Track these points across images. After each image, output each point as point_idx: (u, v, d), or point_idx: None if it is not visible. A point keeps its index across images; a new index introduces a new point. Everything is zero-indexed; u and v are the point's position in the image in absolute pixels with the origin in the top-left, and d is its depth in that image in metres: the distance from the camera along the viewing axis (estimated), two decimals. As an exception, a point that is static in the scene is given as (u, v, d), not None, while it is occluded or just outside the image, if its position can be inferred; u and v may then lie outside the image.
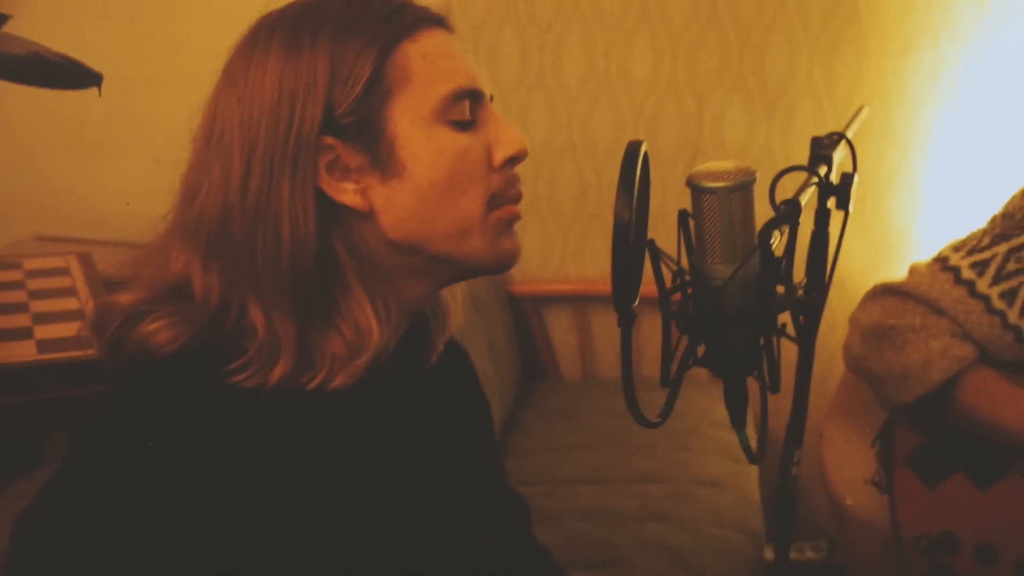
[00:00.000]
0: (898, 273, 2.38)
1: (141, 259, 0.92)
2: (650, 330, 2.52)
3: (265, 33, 0.87)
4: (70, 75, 0.94)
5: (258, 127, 0.83)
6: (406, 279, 0.90)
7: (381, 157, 0.85)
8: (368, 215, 0.86)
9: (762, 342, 0.91)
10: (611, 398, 2.31)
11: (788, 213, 0.92)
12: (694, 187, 0.87)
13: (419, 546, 0.93)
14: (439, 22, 0.90)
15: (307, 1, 0.89)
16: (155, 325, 0.83)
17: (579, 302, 2.52)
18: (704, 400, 2.27)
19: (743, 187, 0.87)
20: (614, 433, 2.11)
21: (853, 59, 2.25)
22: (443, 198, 0.86)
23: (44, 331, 1.26)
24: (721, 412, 2.24)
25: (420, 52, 0.86)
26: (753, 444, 1.03)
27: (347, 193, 0.85)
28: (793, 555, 2.18)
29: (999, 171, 2.20)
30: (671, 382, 0.98)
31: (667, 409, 1.03)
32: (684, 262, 0.95)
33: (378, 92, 0.84)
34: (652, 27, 2.31)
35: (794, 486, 1.51)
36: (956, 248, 1.40)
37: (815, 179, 1.30)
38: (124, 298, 0.87)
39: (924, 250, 2.33)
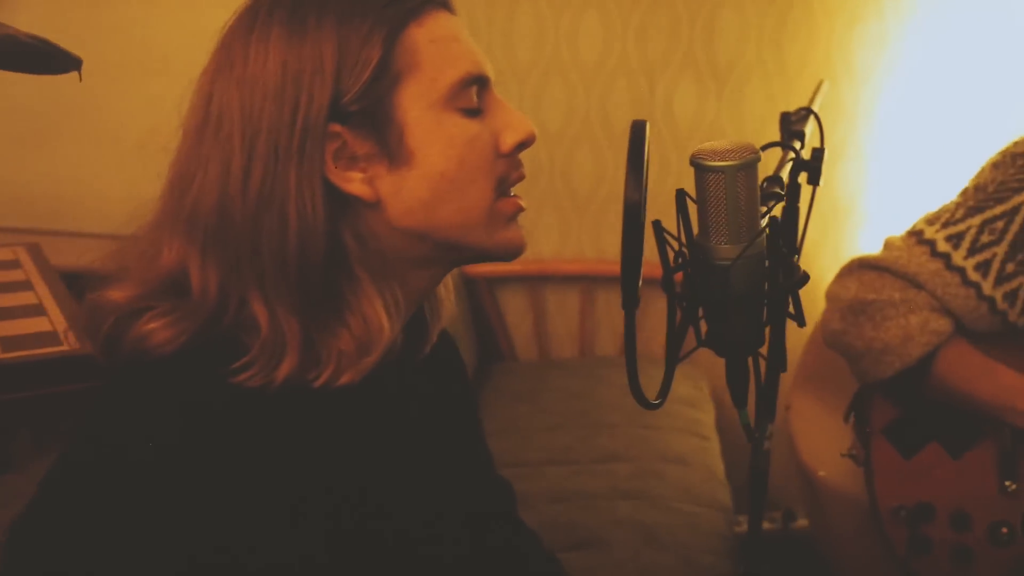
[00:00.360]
0: (845, 244, 2.43)
1: (127, 251, 0.87)
2: (642, 307, 2.53)
3: (264, 13, 0.82)
4: (48, 59, 0.88)
5: (260, 113, 0.79)
6: (413, 268, 0.87)
7: (390, 145, 0.81)
8: (375, 205, 0.83)
9: (766, 320, 0.90)
10: (569, 378, 2.31)
11: (791, 189, 0.92)
12: (699, 166, 0.86)
13: (419, 535, 0.91)
14: (443, 4, 0.86)
15: None
16: (154, 324, 0.79)
17: (534, 282, 2.51)
18: (661, 376, 2.27)
19: (749, 165, 0.85)
20: (576, 413, 2.11)
21: (801, 34, 2.26)
22: (453, 187, 0.83)
23: (6, 327, 1.20)
24: (681, 389, 2.26)
25: (428, 36, 0.83)
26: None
27: (354, 183, 0.81)
28: (743, 528, 2.21)
29: (945, 143, 2.24)
30: (675, 361, 0.97)
31: (664, 389, 1.02)
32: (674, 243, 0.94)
33: (386, 78, 0.80)
34: (602, 6, 2.30)
35: (767, 460, 1.53)
36: (930, 221, 1.41)
37: (791, 155, 1.29)
38: (116, 294, 0.82)
39: (871, 222, 2.37)
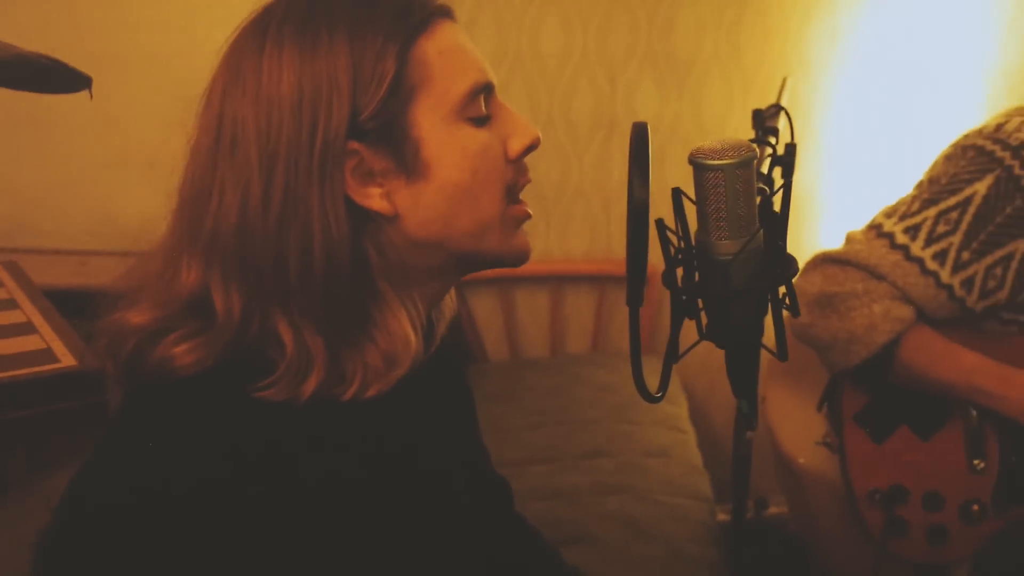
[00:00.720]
0: (804, 235, 2.49)
1: (141, 272, 0.87)
2: (610, 305, 2.56)
3: (273, 28, 0.82)
4: (58, 78, 0.88)
5: (278, 133, 0.79)
6: (428, 278, 0.89)
7: (406, 160, 0.82)
8: (392, 218, 0.84)
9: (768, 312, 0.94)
10: (544, 377, 2.33)
11: (784, 186, 0.95)
12: (698, 165, 0.88)
13: (437, 539, 0.92)
14: (447, 12, 0.88)
15: None
16: (180, 348, 0.79)
17: (503, 283, 2.53)
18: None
19: (746, 163, 0.88)
20: (554, 411, 2.13)
21: (757, 31, 2.32)
22: (467, 196, 0.85)
23: (-1, 346, 1.19)
24: (655, 384, 2.28)
25: (437, 48, 0.84)
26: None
27: (373, 198, 0.82)
28: (723, 516, 2.25)
29: (898, 134, 2.31)
30: (676, 357, 0.99)
31: (664, 382, 1.05)
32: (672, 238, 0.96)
33: (401, 93, 0.81)
34: (562, 6, 2.33)
35: (749, 449, 1.57)
36: (888, 214, 1.46)
37: (768, 151, 1.34)
38: (136, 317, 0.82)
39: (828, 213, 2.43)
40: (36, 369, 1.12)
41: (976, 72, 2.28)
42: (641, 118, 2.44)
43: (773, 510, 2.53)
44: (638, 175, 0.84)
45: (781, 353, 0.97)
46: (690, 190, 0.93)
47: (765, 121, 1.48)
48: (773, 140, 1.46)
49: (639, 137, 0.86)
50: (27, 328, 1.25)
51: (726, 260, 0.91)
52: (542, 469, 1.88)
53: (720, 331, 0.96)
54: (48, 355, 1.17)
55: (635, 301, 0.92)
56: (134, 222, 2.53)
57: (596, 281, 2.52)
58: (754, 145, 0.91)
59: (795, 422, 1.69)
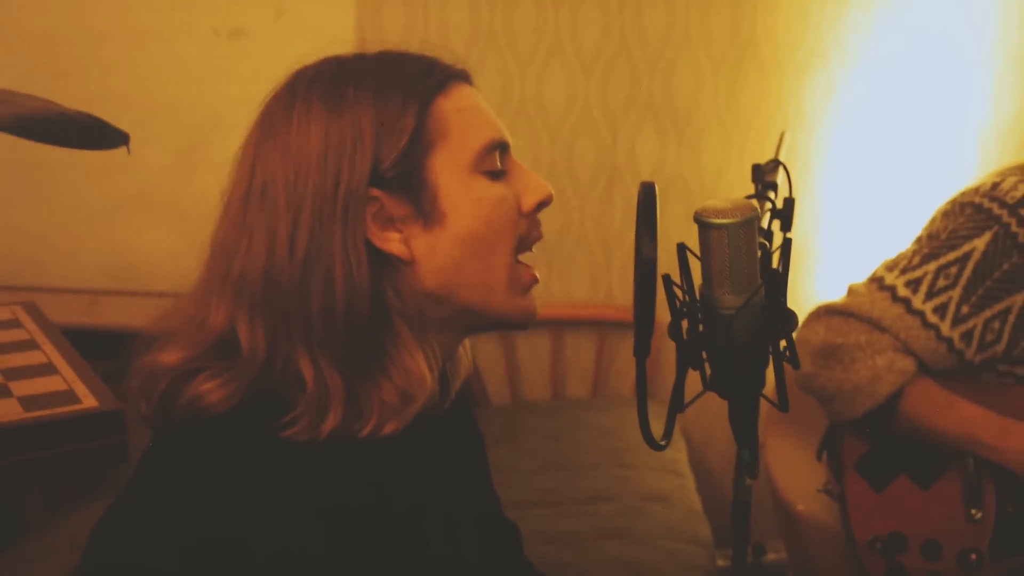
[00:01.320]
0: (800, 284, 2.54)
1: (174, 316, 0.91)
2: (610, 349, 2.59)
3: (303, 88, 0.88)
4: (98, 135, 0.92)
5: (305, 181, 0.84)
6: (438, 328, 0.92)
7: (424, 207, 0.87)
8: (409, 263, 0.88)
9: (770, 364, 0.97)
10: (544, 421, 2.36)
11: (784, 243, 0.99)
12: (704, 223, 0.93)
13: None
14: (464, 77, 0.93)
15: (341, 58, 0.91)
16: (208, 385, 0.83)
17: (505, 327, 2.56)
18: (635, 417, 2.34)
19: (749, 222, 0.93)
20: (555, 455, 2.16)
21: (754, 83, 2.38)
22: (481, 245, 0.89)
23: (22, 387, 1.21)
24: (656, 429, 2.30)
25: (454, 107, 0.89)
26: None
27: (392, 242, 0.87)
28: (722, 562, 2.27)
29: (890, 187, 2.37)
30: (682, 407, 1.03)
31: (668, 431, 1.08)
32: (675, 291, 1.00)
33: (420, 145, 0.87)
34: (564, 55, 2.39)
35: (749, 495, 1.60)
36: (890, 268, 1.50)
37: (768, 205, 1.38)
38: (168, 357, 0.86)
39: (821, 264, 2.48)
40: (59, 410, 1.15)
41: (967, 127, 2.34)
42: (641, 167, 2.51)
43: (771, 556, 2.55)
44: (647, 233, 0.88)
45: (782, 404, 1.01)
46: (691, 240, 0.97)
47: (764, 176, 1.53)
48: (772, 195, 1.51)
49: (648, 196, 0.91)
50: (48, 369, 1.28)
51: (730, 314, 0.95)
52: (544, 513, 1.90)
53: (723, 382, 1.00)
54: (70, 396, 1.20)
55: (642, 352, 0.96)
56: (144, 262, 2.58)
57: (596, 326, 2.56)
58: (756, 204, 0.96)
59: (794, 469, 1.73)
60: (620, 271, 2.53)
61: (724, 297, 0.95)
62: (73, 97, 1.39)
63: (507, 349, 2.57)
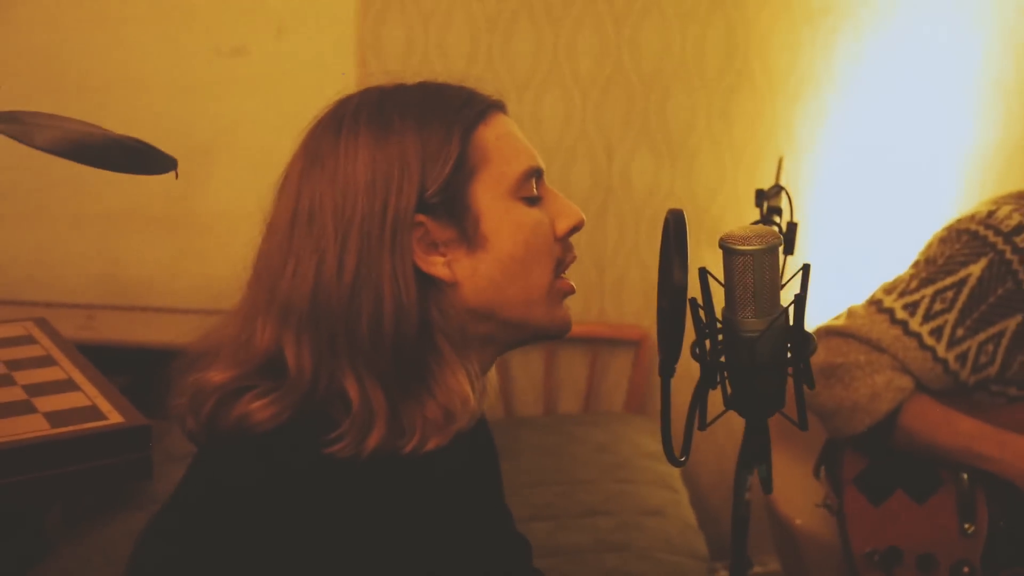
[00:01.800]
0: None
1: (218, 334, 0.93)
2: (602, 366, 2.63)
3: (349, 117, 0.91)
4: (147, 159, 0.95)
5: (353, 207, 0.87)
6: (479, 345, 0.96)
7: (467, 232, 0.91)
8: (453, 285, 0.91)
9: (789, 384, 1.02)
10: (539, 436, 2.39)
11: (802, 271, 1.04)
12: (728, 250, 0.97)
13: None
14: (501, 107, 0.97)
15: (383, 88, 0.94)
16: (256, 404, 0.86)
17: (499, 343, 2.60)
18: (629, 432, 2.38)
19: (772, 249, 0.97)
20: (552, 470, 2.19)
21: (748, 108, 2.44)
22: (521, 267, 0.93)
23: (46, 403, 1.22)
24: (647, 444, 2.36)
25: (494, 135, 0.93)
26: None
27: (437, 265, 0.90)
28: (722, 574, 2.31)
29: (882, 210, 2.43)
30: (704, 425, 1.07)
31: (686, 448, 1.12)
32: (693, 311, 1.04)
33: (463, 172, 0.90)
34: (562, 79, 2.44)
35: (748, 510, 1.64)
36: (888, 291, 1.56)
37: (774, 229, 1.42)
38: (216, 376, 0.89)
39: (815, 283, 2.52)
40: (87, 426, 1.16)
41: (952, 153, 2.41)
42: (636, 188, 2.55)
43: (757, 569, 2.59)
44: (678, 259, 0.92)
45: (802, 423, 1.05)
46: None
47: (768, 200, 1.58)
48: (777, 219, 1.56)
49: (678, 223, 0.95)
50: (69, 385, 1.29)
51: (753, 337, 0.99)
52: (544, 526, 1.93)
53: (744, 401, 1.04)
54: (95, 412, 1.21)
55: (667, 372, 1.00)
56: (141, 276, 2.59)
57: (589, 343, 2.60)
58: (778, 232, 1.00)
59: (790, 485, 1.77)
60: (612, 289, 2.58)
61: (747, 321, 0.99)
62: (74, 115, 1.42)
63: (501, 365, 2.61)
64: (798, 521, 1.68)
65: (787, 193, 1.57)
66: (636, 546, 1.85)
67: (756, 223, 1.36)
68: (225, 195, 2.48)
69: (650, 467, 2.22)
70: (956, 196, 2.37)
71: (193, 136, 2.51)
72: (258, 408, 0.86)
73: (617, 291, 2.58)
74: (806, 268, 1.07)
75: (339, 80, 2.46)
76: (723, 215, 2.45)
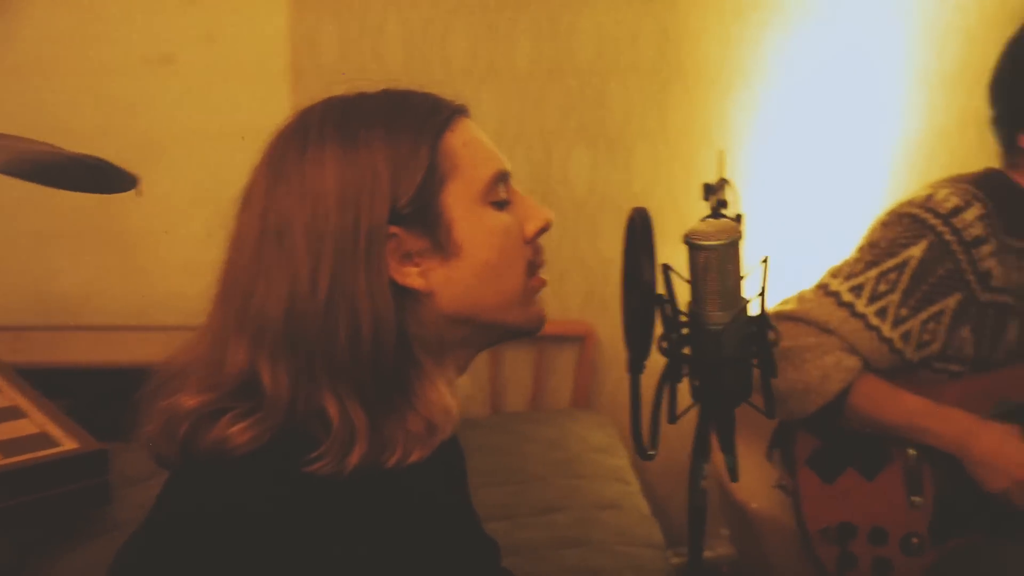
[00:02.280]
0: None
1: (186, 356, 0.91)
2: (547, 363, 2.64)
3: (314, 130, 0.89)
4: (108, 177, 0.92)
5: (325, 222, 0.86)
6: (457, 349, 0.96)
7: (440, 241, 0.90)
8: (428, 295, 0.91)
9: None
10: (488, 436, 2.39)
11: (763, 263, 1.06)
12: (693, 245, 0.99)
13: None
14: (464, 112, 0.97)
15: (346, 98, 0.93)
16: (235, 428, 0.84)
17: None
18: (578, 428, 2.40)
19: (735, 243, 0.99)
20: (504, 470, 2.20)
21: (682, 102, 2.48)
22: (495, 273, 0.93)
23: (-5, 433, 1.19)
24: (595, 438, 2.38)
25: (461, 141, 0.93)
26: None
27: (411, 276, 0.90)
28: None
29: (814, 199, 2.49)
30: (675, 419, 1.08)
31: (654, 441, 1.13)
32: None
33: (433, 181, 0.90)
34: (499, 76, 2.44)
35: (704, 498, 1.67)
36: (834, 275, 1.60)
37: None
38: (188, 401, 0.86)
39: (749, 270, 2.57)
40: (40, 454, 1.13)
41: (881, 142, 2.48)
42: (575, 183, 2.57)
43: (707, 554, 2.63)
44: (646, 258, 0.94)
45: (769, 411, 1.07)
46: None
47: (716, 194, 1.61)
48: (725, 211, 1.59)
49: (644, 221, 0.96)
50: (15, 412, 1.25)
51: (718, 329, 1.01)
52: (500, 526, 1.93)
53: (712, 393, 1.06)
54: (46, 439, 1.18)
55: (637, 369, 1.01)
56: (69, 295, 2.51)
57: (533, 341, 2.61)
58: (739, 227, 1.02)
59: (745, 470, 1.78)
60: (554, 286, 2.59)
61: (713, 314, 1.01)
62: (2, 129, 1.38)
63: (447, 367, 2.60)
64: (754, 505, 1.72)
65: (733, 186, 1.60)
66: (594, 540, 1.86)
67: (706, 217, 1.38)
68: (154, 210, 2.42)
69: (601, 461, 2.24)
70: (888, 183, 2.44)
71: (121, 149, 2.44)
72: (237, 432, 0.84)
73: (559, 287, 2.59)
74: (766, 260, 1.10)
75: (277, 88, 2.43)
76: (662, 209, 2.48)
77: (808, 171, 2.50)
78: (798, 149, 2.49)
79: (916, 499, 1.59)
